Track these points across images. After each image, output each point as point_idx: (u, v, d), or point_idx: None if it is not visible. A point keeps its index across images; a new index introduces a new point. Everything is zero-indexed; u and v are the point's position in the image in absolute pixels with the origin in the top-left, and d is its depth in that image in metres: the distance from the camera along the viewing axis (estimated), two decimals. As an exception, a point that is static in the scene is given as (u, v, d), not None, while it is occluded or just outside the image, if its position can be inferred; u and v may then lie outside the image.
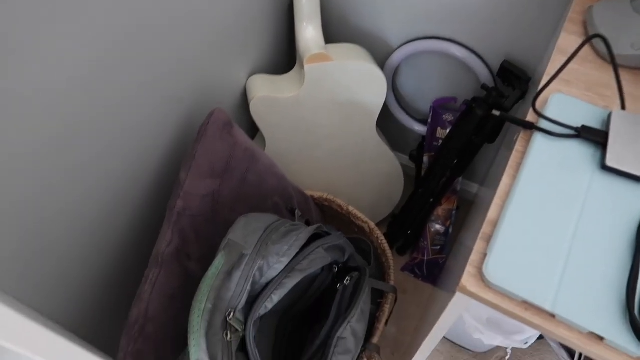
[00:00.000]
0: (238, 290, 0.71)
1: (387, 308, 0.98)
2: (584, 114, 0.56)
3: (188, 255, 0.84)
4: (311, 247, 0.80)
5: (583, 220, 0.49)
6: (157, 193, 0.90)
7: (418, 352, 0.73)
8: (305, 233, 0.78)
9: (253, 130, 1.19)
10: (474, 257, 0.49)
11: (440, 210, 1.26)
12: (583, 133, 0.54)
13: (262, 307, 0.73)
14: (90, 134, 0.69)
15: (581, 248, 0.48)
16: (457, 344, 1.22)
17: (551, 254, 0.47)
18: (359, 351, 0.81)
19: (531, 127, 0.56)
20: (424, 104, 1.24)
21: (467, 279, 0.47)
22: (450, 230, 1.29)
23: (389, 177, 1.25)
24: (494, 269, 0.46)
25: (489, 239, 0.49)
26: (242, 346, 0.73)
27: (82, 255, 0.77)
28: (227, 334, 0.70)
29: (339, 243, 0.84)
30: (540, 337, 1.22)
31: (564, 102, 0.57)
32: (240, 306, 0.72)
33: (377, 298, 1.03)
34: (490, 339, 0.96)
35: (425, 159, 1.24)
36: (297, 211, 0.88)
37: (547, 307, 0.45)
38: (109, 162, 0.76)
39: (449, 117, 1.17)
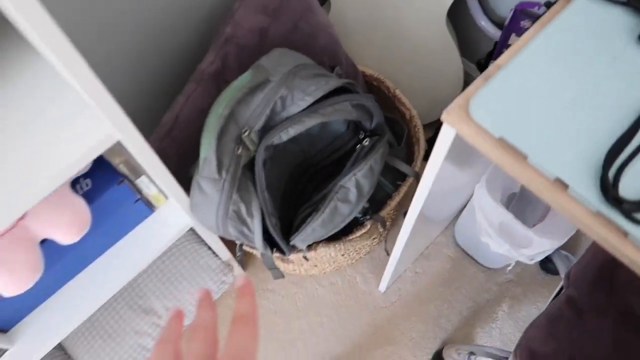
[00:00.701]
0: (257, 112, 0.75)
1: (403, 190, 0.99)
2: (645, -18, 0.50)
3: (226, 80, 0.88)
4: (339, 98, 0.81)
5: (595, 81, 0.46)
6: (212, 20, 0.94)
7: (409, 212, 0.75)
8: (335, 80, 0.80)
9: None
10: (468, 90, 0.48)
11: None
12: (633, 0, 0.49)
13: (277, 135, 0.77)
14: None
15: (581, 105, 0.45)
16: (468, 254, 1.23)
17: (546, 102, 0.46)
18: (359, 207, 0.84)
19: (580, -14, 0.51)
20: (505, 7, 1.15)
21: (454, 108, 0.47)
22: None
23: (448, 78, 1.20)
24: (481, 102, 0.46)
25: (489, 79, 0.48)
26: (251, 166, 0.79)
27: (140, 46, 0.84)
28: (238, 148, 0.75)
29: (368, 104, 0.84)
30: (555, 273, 1.19)
31: (628, -33, 0.51)
32: (256, 127, 0.76)
33: (398, 180, 1.04)
34: (497, 246, 0.96)
35: (492, 65, 1.18)
36: (337, 68, 0.89)
37: (522, 147, 0.44)
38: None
39: (527, 23, 1.08)
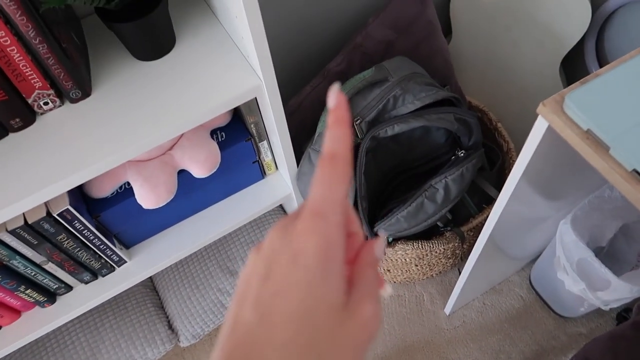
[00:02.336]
0: (371, 105, 0.87)
1: (487, 212, 1.04)
2: None
3: (348, 79, 1.01)
4: (445, 108, 0.90)
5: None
6: (348, 29, 1.09)
7: (485, 224, 0.80)
8: (444, 92, 0.89)
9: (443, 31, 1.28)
10: (566, 90, 0.55)
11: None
12: None
13: (383, 129, 0.87)
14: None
15: (669, 114, 0.51)
16: (542, 298, 1.22)
17: (633, 108, 0.52)
18: (443, 211, 0.91)
19: (688, 23, 0.57)
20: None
21: (550, 102, 0.55)
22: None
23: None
24: (576, 99, 0.53)
25: (586, 82, 0.55)
26: (355, 153, 0.90)
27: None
28: (348, 133, 0.86)
29: (470, 120, 0.92)
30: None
31: None
32: (368, 118, 0.87)
33: (484, 204, 1.10)
34: (573, 284, 0.97)
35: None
36: (447, 87, 0.98)
37: (606, 139, 0.50)
38: None
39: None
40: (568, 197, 0.97)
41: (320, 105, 0.99)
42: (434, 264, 1.17)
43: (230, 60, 0.72)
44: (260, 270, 0.24)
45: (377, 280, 0.25)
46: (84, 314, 1.10)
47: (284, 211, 1.23)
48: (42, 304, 0.87)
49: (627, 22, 1.12)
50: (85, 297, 0.90)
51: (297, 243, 0.23)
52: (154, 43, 0.72)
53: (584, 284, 0.95)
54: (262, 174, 0.97)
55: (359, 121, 0.87)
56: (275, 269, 0.23)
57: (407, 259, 1.10)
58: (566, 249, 0.98)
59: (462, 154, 0.93)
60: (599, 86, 0.54)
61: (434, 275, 1.24)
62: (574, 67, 1.29)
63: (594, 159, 0.52)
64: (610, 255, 1.19)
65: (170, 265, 1.19)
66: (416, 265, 1.15)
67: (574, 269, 0.97)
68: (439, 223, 1.03)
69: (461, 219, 1.07)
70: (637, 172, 0.49)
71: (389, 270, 1.18)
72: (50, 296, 0.88)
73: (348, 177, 0.24)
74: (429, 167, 1.04)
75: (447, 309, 1.23)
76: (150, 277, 1.22)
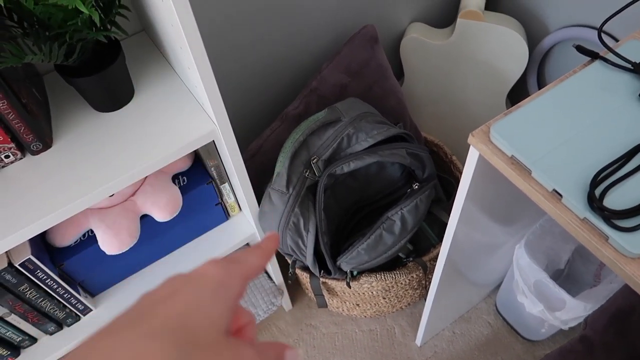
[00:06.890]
0: (327, 143, 0.91)
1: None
2: (649, 58, 0.62)
3: (305, 122, 1.06)
4: (397, 144, 0.95)
5: (594, 124, 0.57)
6: (304, 75, 1.15)
7: (442, 245, 0.84)
8: (394, 129, 0.95)
9: (396, 73, 1.36)
10: (492, 121, 0.61)
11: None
12: (636, 68, 0.61)
13: (339, 166, 0.91)
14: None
15: (579, 139, 0.56)
16: (509, 323, 1.25)
17: (552, 133, 0.57)
18: (402, 242, 0.95)
19: (596, 57, 0.64)
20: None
21: (478, 132, 0.60)
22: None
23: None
24: (500, 129, 0.58)
25: (508, 114, 0.61)
26: (314, 190, 0.93)
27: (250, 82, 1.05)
28: (306, 171, 0.91)
29: (422, 154, 0.98)
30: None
31: (636, 47, 0.64)
32: (324, 157, 0.91)
33: (444, 233, 1.13)
34: (532, 306, 1.00)
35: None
36: (400, 124, 1.04)
37: (528, 164, 0.55)
38: (294, 41, 1.02)
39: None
40: (520, 222, 1.02)
41: (279, 147, 1.04)
42: (401, 296, 1.19)
43: (186, 107, 0.76)
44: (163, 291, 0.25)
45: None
46: (50, 367, 1.08)
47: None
48: (5, 359, 0.86)
49: (563, 58, 1.21)
50: (51, 348, 0.89)
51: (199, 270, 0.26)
52: (113, 95, 0.75)
53: (542, 305, 0.99)
54: (226, 215, 1.00)
55: (315, 160, 0.91)
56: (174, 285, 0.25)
57: (374, 292, 1.12)
58: (522, 272, 1.02)
59: (417, 187, 0.98)
60: (520, 116, 0.60)
61: (403, 307, 1.26)
62: (518, 95, 1.38)
63: (519, 182, 0.56)
64: (569, 277, 1.24)
65: (139, 313, 1.18)
66: (384, 298, 1.17)
67: (532, 291, 1.01)
68: (401, 254, 1.06)
69: (423, 250, 1.11)
70: (556, 191, 0.54)
71: (358, 305, 1.20)
72: (14, 349, 0.87)
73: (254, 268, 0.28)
74: (389, 201, 1.08)
75: (418, 340, 1.25)
76: (119, 327, 1.21)
